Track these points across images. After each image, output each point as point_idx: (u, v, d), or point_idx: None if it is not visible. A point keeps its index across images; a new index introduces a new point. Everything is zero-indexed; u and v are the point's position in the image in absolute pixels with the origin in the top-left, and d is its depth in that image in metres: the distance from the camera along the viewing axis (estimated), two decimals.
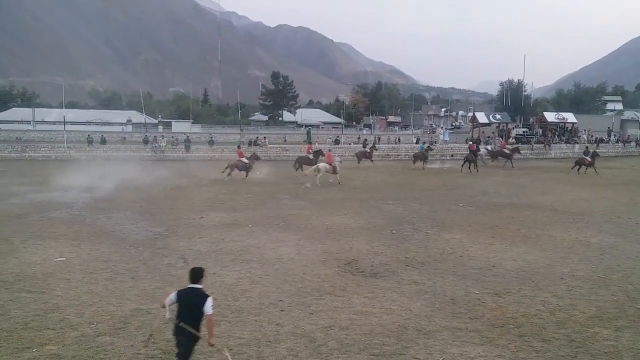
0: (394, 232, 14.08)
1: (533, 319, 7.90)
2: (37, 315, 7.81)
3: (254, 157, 28.58)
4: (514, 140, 49.42)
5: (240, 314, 7.97)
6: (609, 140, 54.83)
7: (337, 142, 51.22)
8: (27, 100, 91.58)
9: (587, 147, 37.13)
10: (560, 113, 56.16)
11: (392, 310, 8.23)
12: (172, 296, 5.68)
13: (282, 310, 8.15)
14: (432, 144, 44.10)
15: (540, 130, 52.63)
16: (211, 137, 51.95)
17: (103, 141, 45.61)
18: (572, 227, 14.71)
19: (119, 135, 56.93)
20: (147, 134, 52.55)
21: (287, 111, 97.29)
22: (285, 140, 59.32)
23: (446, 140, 52.03)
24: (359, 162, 35.61)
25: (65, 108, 61.12)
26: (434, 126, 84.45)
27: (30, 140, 51.35)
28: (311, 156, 29.85)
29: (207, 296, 5.73)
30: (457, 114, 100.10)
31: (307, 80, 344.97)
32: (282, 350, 6.70)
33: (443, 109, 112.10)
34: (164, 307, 5.70)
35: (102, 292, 8.99)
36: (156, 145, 42.56)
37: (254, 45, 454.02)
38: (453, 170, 32.93)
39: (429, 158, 35.80)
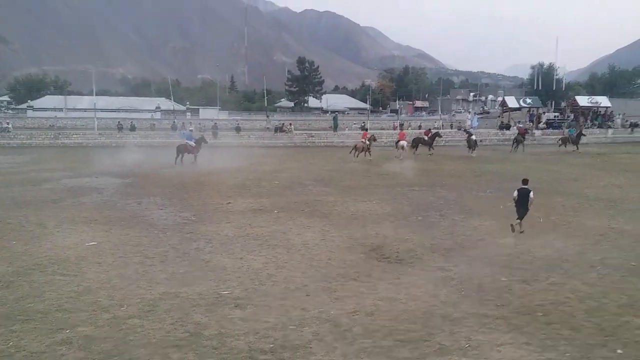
0: (420, 218, 13.99)
1: (562, 307, 7.77)
2: (70, 298, 8.07)
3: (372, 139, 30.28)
4: (544, 124, 48.32)
5: (266, 298, 8.07)
6: None
7: (363, 128, 50.91)
8: (60, 88, 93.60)
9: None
10: (593, 97, 54.51)
11: (418, 296, 8.21)
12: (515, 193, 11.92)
13: (307, 295, 8.22)
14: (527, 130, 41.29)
15: (572, 115, 51.24)
16: (238, 124, 52.32)
17: (132, 128, 46.45)
18: (603, 214, 14.35)
19: (148, 122, 57.82)
20: (175, 120, 53.27)
21: (313, 97, 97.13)
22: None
23: (474, 126, 51.12)
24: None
25: (96, 95, 62.27)
26: (460, 110, 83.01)
27: (63, 127, 52.64)
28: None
29: (530, 190, 11.87)
30: (487, 98, 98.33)
31: (333, 65, 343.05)
32: (307, 335, 6.77)
33: (472, 94, 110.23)
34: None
35: (132, 275, 9.22)
36: (184, 131, 43.04)
37: (280, 31, 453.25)
38: (481, 157, 32.38)
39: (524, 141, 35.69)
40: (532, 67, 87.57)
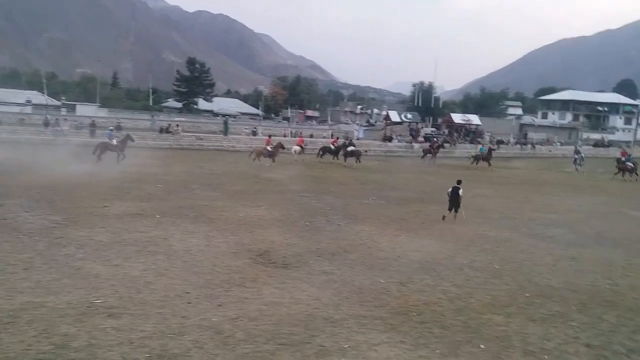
0: (307, 224, 14.21)
1: (434, 306, 8.32)
2: None
3: (279, 146, 30.75)
4: (422, 139, 51.85)
5: (143, 307, 7.63)
6: (509, 142, 59.13)
7: (254, 133, 50.70)
8: None
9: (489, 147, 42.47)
10: (466, 115, 59.65)
11: (302, 300, 8.30)
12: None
13: (188, 303, 7.92)
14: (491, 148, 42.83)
15: (447, 130, 55.59)
16: (119, 123, 49.22)
17: None
18: (472, 222, 15.67)
19: (16, 116, 52.27)
20: (47, 115, 48.79)
21: (203, 99, 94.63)
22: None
23: (360, 137, 53.33)
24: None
25: None
26: (348, 122, 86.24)
27: None
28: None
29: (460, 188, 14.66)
30: (373, 111, 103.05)
31: (225, 69, 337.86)
32: (187, 343, 6.51)
33: (359, 107, 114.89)
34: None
35: None
36: (58, 128, 39.59)
37: (170, 30, 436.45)
38: (366, 167, 33.82)
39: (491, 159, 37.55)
40: (414, 85, 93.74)
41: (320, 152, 35.18)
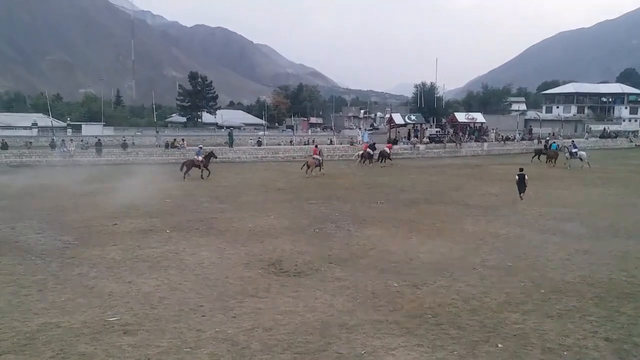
0: (317, 231, 14.20)
1: (449, 307, 8.27)
2: None
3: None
4: (427, 139, 51.70)
5: (158, 322, 7.65)
6: (515, 138, 58.79)
7: (259, 143, 50.89)
8: None
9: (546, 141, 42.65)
10: (470, 113, 59.38)
11: (316, 307, 8.27)
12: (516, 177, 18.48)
13: (203, 316, 7.92)
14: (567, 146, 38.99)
15: (452, 130, 55.42)
16: (124, 140, 49.51)
17: (4, 146, 42.07)
18: (482, 220, 15.60)
19: (23, 139, 52.75)
20: (54, 137, 49.23)
21: (207, 112, 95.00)
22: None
23: (366, 141, 53.26)
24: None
25: None
26: (352, 127, 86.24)
27: None
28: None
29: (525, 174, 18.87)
30: (376, 115, 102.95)
31: (227, 81, 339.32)
32: (203, 356, 6.51)
33: (362, 111, 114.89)
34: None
35: (4, 307, 8.29)
36: (64, 149, 39.89)
37: (170, 45, 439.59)
38: (372, 170, 33.78)
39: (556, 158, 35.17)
40: (416, 86, 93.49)
41: (361, 158, 36.78)
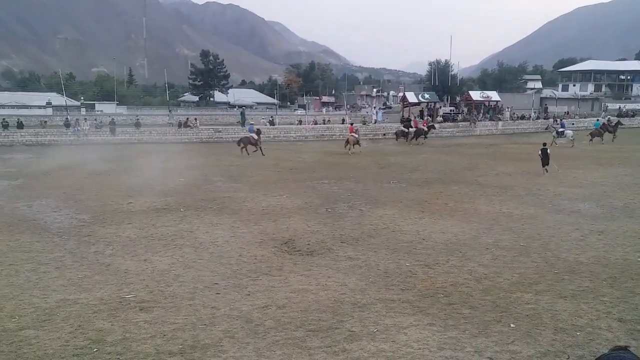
0: (330, 210, 14.24)
1: (461, 287, 8.29)
2: None
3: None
4: (441, 118, 51.17)
5: (173, 299, 7.78)
6: (530, 117, 57.99)
7: (271, 122, 50.75)
8: None
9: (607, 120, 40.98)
10: (484, 92, 58.59)
11: (328, 286, 8.35)
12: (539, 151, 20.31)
13: (217, 293, 8.04)
14: (610, 122, 39.47)
15: (466, 109, 54.78)
16: (138, 119, 49.79)
17: (20, 125, 42.53)
18: (495, 200, 15.51)
19: (38, 118, 53.30)
20: (68, 116, 49.62)
21: (219, 91, 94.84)
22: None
23: (378, 120, 52.97)
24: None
25: None
26: (365, 105, 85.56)
27: None
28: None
29: (548, 148, 20.35)
30: (389, 94, 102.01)
31: (238, 59, 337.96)
32: (218, 333, 6.63)
33: (375, 89, 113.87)
34: None
35: (23, 284, 8.47)
36: (79, 128, 40.26)
37: (182, 23, 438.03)
38: (385, 149, 33.63)
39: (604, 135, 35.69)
40: (430, 64, 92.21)
41: (395, 136, 38.37)
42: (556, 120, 39.16)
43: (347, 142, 30.84)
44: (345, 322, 6.93)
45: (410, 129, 38.28)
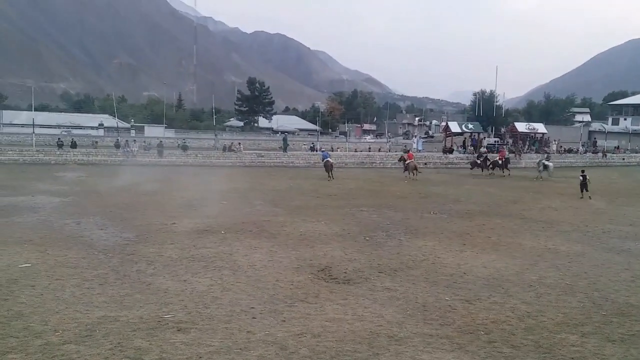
0: (368, 239, 14.13)
1: (502, 325, 8.00)
2: None
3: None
4: (485, 149, 50.25)
5: (210, 322, 7.85)
6: (578, 150, 56.24)
7: (312, 149, 51.25)
8: None
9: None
10: (530, 123, 57.30)
11: (364, 316, 8.23)
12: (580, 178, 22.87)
13: (253, 318, 8.06)
14: None
15: (511, 140, 53.66)
16: (184, 142, 51.32)
17: (74, 145, 44.66)
18: (541, 235, 15.01)
19: (90, 139, 55.83)
20: (118, 138, 51.74)
21: (263, 117, 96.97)
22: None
23: (420, 149, 52.57)
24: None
25: (35, 111, 59.62)
26: (411, 134, 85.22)
27: None
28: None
29: (586, 175, 23.34)
30: (431, 123, 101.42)
31: (283, 86, 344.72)
32: (253, 358, 6.62)
33: (417, 118, 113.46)
34: None
35: (68, 299, 8.75)
36: (128, 149, 41.89)
37: (230, 51, 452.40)
38: (426, 178, 33.25)
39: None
40: (474, 94, 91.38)
41: (470, 166, 38.45)
42: (548, 157, 38.93)
43: (407, 167, 31.41)
44: (381, 355, 6.79)
45: (488, 161, 37.58)
